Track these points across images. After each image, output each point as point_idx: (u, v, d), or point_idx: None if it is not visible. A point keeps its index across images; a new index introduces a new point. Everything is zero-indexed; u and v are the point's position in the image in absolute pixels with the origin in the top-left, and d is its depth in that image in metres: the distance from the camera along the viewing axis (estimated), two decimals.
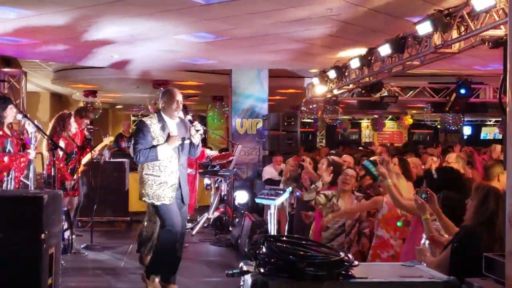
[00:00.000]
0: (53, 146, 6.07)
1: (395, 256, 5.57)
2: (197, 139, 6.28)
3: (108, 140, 8.68)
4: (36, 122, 6.45)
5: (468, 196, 4.35)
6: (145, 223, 7.35)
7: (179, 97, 6.29)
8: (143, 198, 6.24)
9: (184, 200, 6.31)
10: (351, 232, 6.45)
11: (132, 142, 6.28)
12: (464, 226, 3.94)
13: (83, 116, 8.45)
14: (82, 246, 8.58)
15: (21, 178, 6.89)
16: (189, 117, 6.49)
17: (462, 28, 7.24)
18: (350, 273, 3.01)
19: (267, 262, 3.00)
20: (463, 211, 4.21)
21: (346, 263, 3.00)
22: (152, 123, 6.17)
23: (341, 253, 3.03)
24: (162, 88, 14.88)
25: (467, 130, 27.21)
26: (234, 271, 3.18)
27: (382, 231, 5.87)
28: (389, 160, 5.83)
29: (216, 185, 11.17)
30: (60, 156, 6.27)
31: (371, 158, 6.76)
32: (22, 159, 6.57)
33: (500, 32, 6.90)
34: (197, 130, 6.24)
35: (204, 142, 17.14)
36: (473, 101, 15.22)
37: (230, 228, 9.94)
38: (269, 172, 10.94)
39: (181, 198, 6.27)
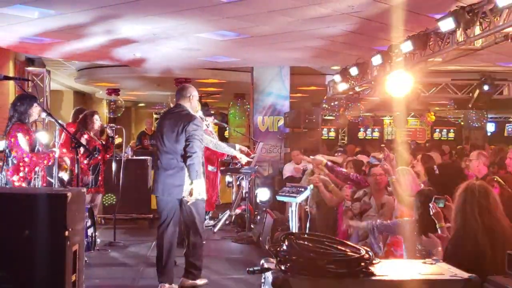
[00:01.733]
0: (76, 144, 6.13)
1: None
2: None
3: (116, 141, 8.68)
4: (60, 120, 6.51)
5: None
6: None
7: None
8: (202, 196, 6.24)
9: None
10: None
11: (193, 141, 6.14)
12: (455, 229, 3.94)
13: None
14: (105, 243, 8.65)
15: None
16: (200, 113, 6.77)
17: (485, 24, 7.17)
18: (371, 270, 3.01)
19: (288, 260, 3.01)
20: None
21: (367, 261, 3.00)
22: None
23: (362, 251, 3.04)
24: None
25: (490, 127, 26.90)
26: (255, 268, 3.19)
27: None
28: (393, 157, 5.83)
29: (238, 182, 11.20)
30: (81, 153, 6.31)
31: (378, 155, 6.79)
32: (50, 157, 6.63)
33: None
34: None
35: (226, 139, 17.20)
36: (496, 98, 15.05)
37: (252, 226, 9.96)
38: (289, 169, 10.94)
39: None
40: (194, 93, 6.47)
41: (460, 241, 3.82)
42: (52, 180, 7.06)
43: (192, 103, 6.43)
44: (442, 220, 4.30)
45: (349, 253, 3.00)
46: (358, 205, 6.69)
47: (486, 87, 14.04)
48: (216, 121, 8.99)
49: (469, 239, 3.77)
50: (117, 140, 8.83)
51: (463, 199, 3.89)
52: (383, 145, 17.38)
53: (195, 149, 6.07)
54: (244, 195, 10.66)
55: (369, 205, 6.56)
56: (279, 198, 7.75)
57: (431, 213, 4.39)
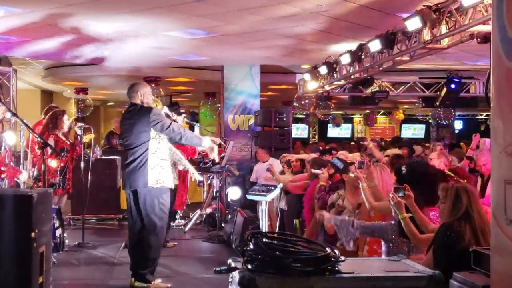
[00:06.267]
0: (42, 144, 6.06)
1: None
2: None
3: (88, 138, 8.56)
4: (25, 120, 6.42)
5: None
6: None
7: None
8: (158, 185, 6.02)
9: None
10: None
11: (167, 124, 6.06)
12: (443, 224, 3.98)
13: None
14: (74, 244, 8.57)
15: None
16: (166, 109, 6.78)
17: (451, 24, 7.28)
18: (336, 268, 3.04)
19: (254, 259, 3.02)
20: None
21: (332, 259, 3.03)
22: None
23: (327, 249, 3.06)
24: (153, 85, 14.84)
25: (458, 125, 27.27)
26: (222, 268, 3.20)
27: None
28: (369, 164, 5.83)
29: (209, 181, 11.17)
30: (49, 154, 6.22)
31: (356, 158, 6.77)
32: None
33: (488, 27, 6.92)
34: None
35: None
36: (463, 96, 15.25)
37: (223, 225, 9.95)
38: (256, 168, 10.94)
39: None
40: (143, 89, 6.23)
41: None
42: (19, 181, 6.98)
43: (147, 99, 6.23)
44: (404, 210, 4.35)
45: (315, 251, 3.03)
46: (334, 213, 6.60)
47: (453, 85, 14.21)
48: (186, 120, 8.96)
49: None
50: (89, 137, 8.72)
51: (460, 197, 3.90)
52: (353, 142, 17.50)
53: (173, 133, 6.08)
54: (215, 194, 10.65)
55: (343, 207, 6.49)
56: (249, 196, 7.76)
57: (391, 203, 4.43)
